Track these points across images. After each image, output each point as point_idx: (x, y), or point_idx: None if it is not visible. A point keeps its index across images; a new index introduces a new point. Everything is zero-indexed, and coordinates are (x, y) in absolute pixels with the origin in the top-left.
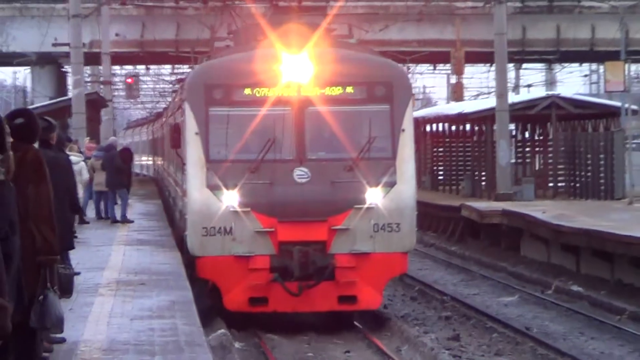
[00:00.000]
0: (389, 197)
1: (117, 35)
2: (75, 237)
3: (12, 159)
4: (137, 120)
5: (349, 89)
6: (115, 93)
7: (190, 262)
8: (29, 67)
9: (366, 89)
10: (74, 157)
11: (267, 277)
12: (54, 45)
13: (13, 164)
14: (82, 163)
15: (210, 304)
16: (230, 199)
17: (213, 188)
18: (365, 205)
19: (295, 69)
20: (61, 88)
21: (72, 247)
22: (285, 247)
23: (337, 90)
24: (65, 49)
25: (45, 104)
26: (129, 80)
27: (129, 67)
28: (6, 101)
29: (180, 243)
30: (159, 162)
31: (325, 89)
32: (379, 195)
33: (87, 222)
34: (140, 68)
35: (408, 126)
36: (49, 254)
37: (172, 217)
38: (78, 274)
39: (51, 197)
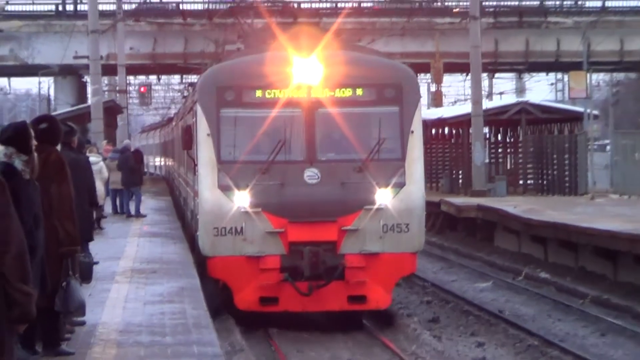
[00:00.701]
0: (398, 197)
1: (131, 48)
2: (102, 228)
3: (36, 160)
4: (150, 125)
5: (359, 91)
6: (130, 101)
7: (201, 262)
8: (52, 77)
9: (376, 91)
10: (94, 158)
11: (277, 277)
12: (75, 57)
13: (37, 164)
14: (102, 163)
15: (220, 303)
16: (242, 199)
17: (224, 189)
18: (375, 206)
19: (305, 71)
20: (81, 96)
21: (92, 239)
22: (295, 247)
23: (347, 92)
24: (85, 61)
25: (67, 111)
26: (142, 89)
27: (142, 77)
28: (32, 108)
29: (192, 242)
30: (169, 163)
31: (335, 90)
32: (389, 196)
33: (105, 217)
34: (152, 78)
35: (417, 128)
36: (71, 245)
37: (182, 215)
38: (96, 263)
39: (72, 195)
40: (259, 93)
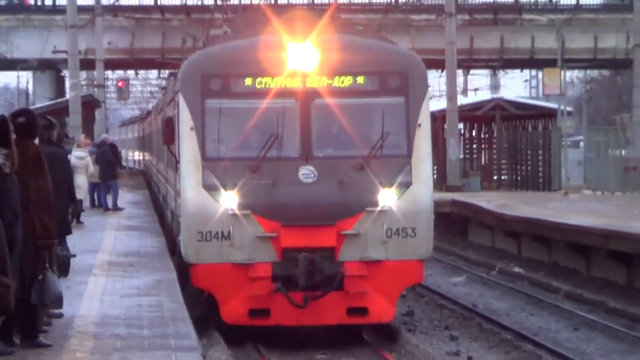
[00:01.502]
0: (404, 199)
1: (109, 43)
2: (81, 222)
3: (15, 154)
4: (130, 119)
5: (360, 79)
6: (108, 95)
7: (183, 269)
8: (31, 71)
9: (379, 79)
10: (82, 153)
11: (268, 287)
12: (53, 52)
13: (17, 158)
14: (89, 158)
15: (205, 316)
16: (229, 200)
17: (210, 188)
18: (378, 208)
19: (300, 57)
20: (60, 90)
21: (69, 232)
22: (289, 254)
23: (346, 81)
24: (64, 55)
25: (45, 105)
26: (120, 83)
27: (120, 72)
28: (10, 102)
29: (172, 245)
30: (147, 157)
31: (334, 79)
32: (393, 197)
33: (82, 210)
34: (130, 73)
35: (425, 121)
36: (48, 238)
37: (160, 209)
38: (74, 256)
39: (49, 188)
40: (248, 81)
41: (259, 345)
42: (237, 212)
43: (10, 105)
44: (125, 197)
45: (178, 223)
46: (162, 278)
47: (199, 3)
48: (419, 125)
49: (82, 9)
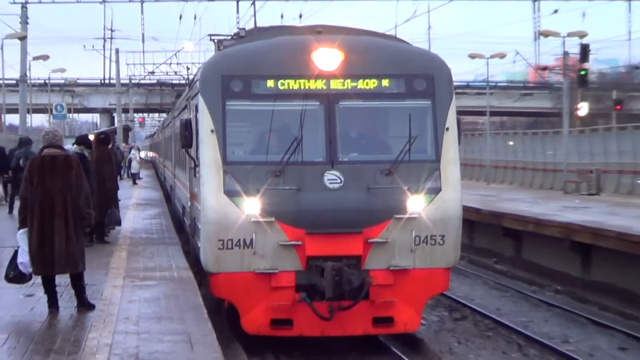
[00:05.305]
0: (433, 205)
1: (135, 100)
2: (136, 183)
3: (94, 152)
4: (147, 136)
5: (385, 82)
6: (135, 125)
7: (202, 276)
8: (98, 114)
9: (404, 82)
10: (135, 152)
11: (292, 297)
12: (109, 105)
13: (94, 155)
14: (138, 154)
15: (227, 326)
16: (251, 207)
17: (231, 194)
18: (406, 215)
19: (324, 58)
20: (112, 122)
21: (118, 189)
22: (313, 262)
23: (371, 83)
24: (114, 107)
25: (105, 129)
26: (140, 119)
27: (141, 114)
28: (88, 130)
29: (183, 235)
30: (154, 155)
31: (359, 81)
32: (422, 203)
33: (140, 178)
34: (145, 114)
35: (452, 124)
36: (112, 192)
37: (161, 180)
38: (120, 200)
39: (114, 170)
40: (270, 83)
41: (280, 354)
42: (260, 219)
43: (89, 130)
44: (142, 172)
45: (196, 228)
46: (162, 210)
47: (181, 81)
48: (447, 129)
49: (123, 84)
